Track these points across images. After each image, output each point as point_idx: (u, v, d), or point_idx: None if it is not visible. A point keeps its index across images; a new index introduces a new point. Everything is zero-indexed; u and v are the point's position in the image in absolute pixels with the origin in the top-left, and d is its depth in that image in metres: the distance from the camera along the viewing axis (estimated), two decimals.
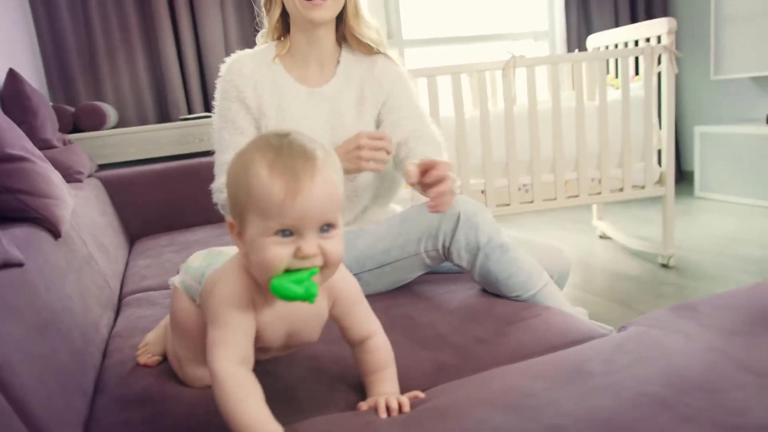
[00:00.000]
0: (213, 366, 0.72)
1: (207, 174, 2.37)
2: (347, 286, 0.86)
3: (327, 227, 0.72)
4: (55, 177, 1.39)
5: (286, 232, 0.70)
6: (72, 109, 2.68)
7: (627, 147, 2.45)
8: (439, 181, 1.02)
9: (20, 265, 0.95)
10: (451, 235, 1.15)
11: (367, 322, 0.87)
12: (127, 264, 1.94)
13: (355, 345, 0.88)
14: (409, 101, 1.41)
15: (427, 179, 1.03)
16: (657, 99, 2.52)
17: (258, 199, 0.69)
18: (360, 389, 0.90)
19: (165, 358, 1.05)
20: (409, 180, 1.05)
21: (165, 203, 2.40)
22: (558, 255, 1.45)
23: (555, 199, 2.45)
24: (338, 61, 1.41)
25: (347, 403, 0.87)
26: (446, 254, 1.18)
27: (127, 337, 1.21)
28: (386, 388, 0.85)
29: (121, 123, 2.99)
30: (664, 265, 2.56)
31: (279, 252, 0.70)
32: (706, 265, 2.55)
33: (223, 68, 1.38)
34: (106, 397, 0.95)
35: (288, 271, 0.70)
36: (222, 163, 1.36)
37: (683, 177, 4.17)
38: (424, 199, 1.07)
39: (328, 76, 1.39)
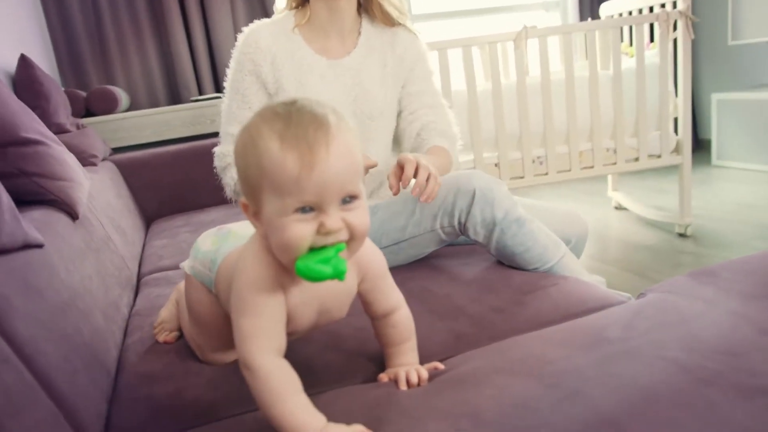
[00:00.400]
0: (252, 362, 0.67)
1: None
2: (375, 258, 0.82)
3: (349, 198, 0.66)
4: (71, 159, 1.40)
5: (306, 209, 0.64)
6: (84, 94, 2.69)
7: (642, 116, 2.42)
8: (414, 176, 1.06)
9: (40, 246, 0.96)
10: (467, 211, 1.14)
11: (392, 296, 0.84)
12: (144, 245, 1.96)
13: (378, 319, 0.85)
14: (428, 86, 1.42)
15: (404, 183, 1.07)
16: (673, 66, 2.47)
17: (272, 176, 0.64)
18: (379, 361, 0.90)
19: (182, 333, 1.06)
20: (393, 192, 1.08)
21: (179, 184, 2.42)
22: (575, 220, 1.44)
23: (569, 170, 2.42)
24: (359, 32, 1.38)
25: (366, 376, 0.88)
26: (462, 230, 1.18)
27: (146, 315, 1.23)
28: (407, 360, 0.84)
29: (133, 106, 3.00)
30: (681, 234, 2.54)
31: (301, 230, 0.64)
32: (724, 233, 2.52)
33: (240, 38, 1.35)
34: (128, 374, 0.96)
35: (312, 249, 0.66)
36: (226, 133, 1.36)
37: (700, 145, 4.11)
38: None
39: (349, 47, 1.37)
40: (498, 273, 1.18)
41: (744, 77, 3.89)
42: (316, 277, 0.64)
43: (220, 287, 0.85)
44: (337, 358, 0.93)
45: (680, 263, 2.27)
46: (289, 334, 0.79)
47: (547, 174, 2.41)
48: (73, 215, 1.27)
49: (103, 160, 2.28)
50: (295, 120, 0.64)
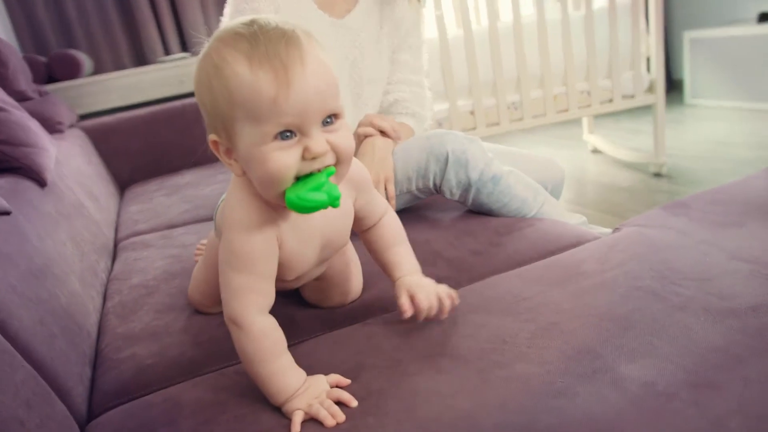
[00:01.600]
0: (243, 320, 0.65)
1: (191, 116, 2.36)
2: (362, 172, 0.78)
3: (330, 119, 0.61)
4: (34, 126, 1.36)
5: (286, 134, 0.59)
6: (44, 59, 2.60)
7: (615, 56, 2.40)
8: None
9: (7, 213, 0.94)
10: (441, 175, 1.14)
11: (380, 204, 0.82)
12: (119, 211, 1.93)
13: (368, 227, 0.81)
14: (416, 60, 1.39)
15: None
16: (644, 4, 2.45)
17: (244, 103, 0.58)
18: (360, 306, 0.91)
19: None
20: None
21: (151, 149, 2.37)
22: (551, 167, 1.45)
23: (545, 114, 2.42)
24: None
25: (350, 323, 0.88)
26: (437, 191, 1.17)
27: (124, 279, 1.22)
28: (409, 265, 0.80)
29: (97, 70, 2.91)
30: (657, 174, 2.56)
31: (284, 158, 0.59)
32: (699, 171, 2.55)
33: None
34: (109, 336, 0.96)
35: (298, 178, 0.60)
36: None
37: (673, 86, 4.12)
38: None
39: (351, 4, 1.32)
40: (475, 218, 1.18)
41: (715, 13, 3.87)
42: (310, 207, 0.60)
43: (218, 229, 0.83)
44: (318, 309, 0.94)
45: (656, 202, 2.30)
46: (296, 280, 0.78)
47: (522, 119, 2.41)
48: (41, 182, 1.24)
49: (71, 127, 2.22)
50: (262, 38, 0.58)
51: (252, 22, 0.60)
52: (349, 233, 0.79)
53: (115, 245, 1.56)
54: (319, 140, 0.60)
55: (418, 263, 0.81)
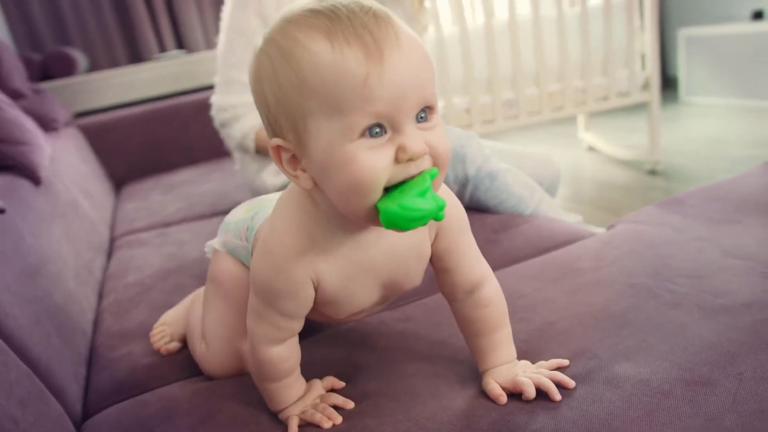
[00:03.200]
0: (253, 341, 0.61)
1: (187, 113, 2.36)
2: (454, 209, 0.62)
3: (425, 112, 0.49)
4: (29, 124, 1.35)
5: (375, 129, 0.47)
6: (39, 57, 2.59)
7: (610, 53, 2.41)
8: None
9: (1, 211, 0.93)
10: None
11: (477, 261, 0.64)
12: (115, 209, 1.93)
13: (461, 296, 0.64)
14: None
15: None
16: (639, 2, 2.45)
17: (323, 89, 0.46)
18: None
19: (183, 345, 0.87)
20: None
21: (147, 147, 2.36)
22: (547, 164, 1.45)
23: (540, 112, 2.42)
24: None
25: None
26: None
27: (120, 277, 1.22)
28: (504, 356, 0.63)
29: (93, 68, 2.90)
30: (652, 172, 2.57)
31: (375, 159, 0.47)
32: (694, 168, 2.55)
33: None
34: (104, 335, 0.96)
35: (388, 189, 0.48)
36: (231, 80, 1.26)
37: (668, 83, 4.12)
38: None
39: None
40: (471, 215, 1.17)
41: (710, 11, 3.87)
42: (418, 218, 0.47)
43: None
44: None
45: (651, 200, 2.30)
46: (351, 316, 0.66)
47: (517, 117, 2.41)
48: (36, 180, 1.24)
49: (66, 125, 2.21)
50: (344, 11, 0.47)
51: None
52: (421, 275, 0.65)
53: (111, 243, 1.56)
54: (416, 137, 0.48)
55: (514, 350, 0.64)
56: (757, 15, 3.43)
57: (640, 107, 2.64)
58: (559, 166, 1.46)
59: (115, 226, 1.72)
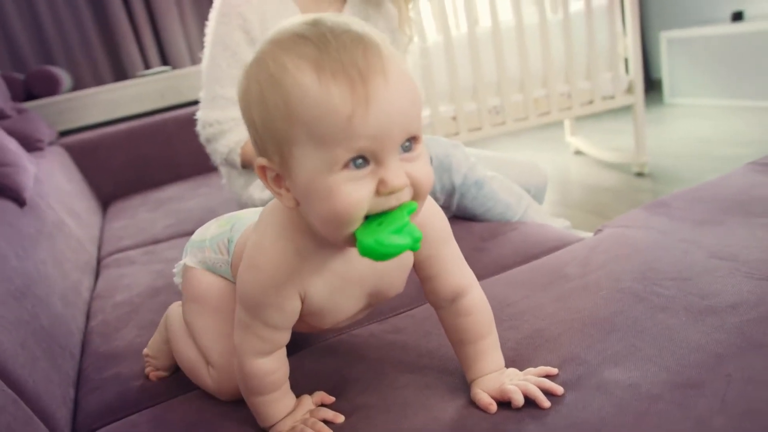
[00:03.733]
0: (240, 352, 0.61)
1: (173, 130, 2.35)
2: (435, 218, 0.62)
3: (409, 143, 0.50)
4: (12, 145, 1.35)
5: (358, 161, 0.48)
6: (22, 77, 2.57)
7: (593, 58, 2.43)
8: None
9: None
10: None
11: (459, 270, 0.64)
12: (102, 228, 1.91)
13: (444, 304, 0.65)
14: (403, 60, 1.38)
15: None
16: (620, 6, 2.48)
17: (310, 122, 0.47)
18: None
19: (173, 371, 0.85)
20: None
21: (133, 164, 2.36)
22: (534, 170, 1.45)
23: (527, 118, 2.43)
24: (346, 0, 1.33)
25: (333, 334, 0.88)
26: None
27: (108, 297, 1.21)
28: (491, 364, 0.63)
29: (77, 86, 2.89)
30: (639, 174, 2.59)
31: (356, 192, 0.48)
32: (680, 169, 2.57)
33: None
34: (92, 357, 0.95)
35: (368, 217, 0.49)
36: (215, 95, 1.25)
37: (652, 85, 4.16)
38: None
39: (337, 7, 1.31)
40: (459, 223, 1.19)
41: (691, 13, 3.92)
42: (391, 253, 0.48)
43: (237, 264, 0.67)
44: None
45: (639, 202, 2.31)
46: (333, 327, 0.68)
47: (504, 123, 2.42)
48: (20, 201, 1.23)
49: (50, 144, 2.20)
50: (333, 42, 0.47)
51: (316, 22, 0.49)
52: (404, 283, 0.66)
53: (99, 262, 1.55)
54: (397, 172, 0.48)
55: (502, 356, 0.65)
56: (737, 16, 3.48)
57: (626, 110, 2.66)
58: (545, 172, 1.47)
59: (102, 244, 1.70)
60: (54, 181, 1.72)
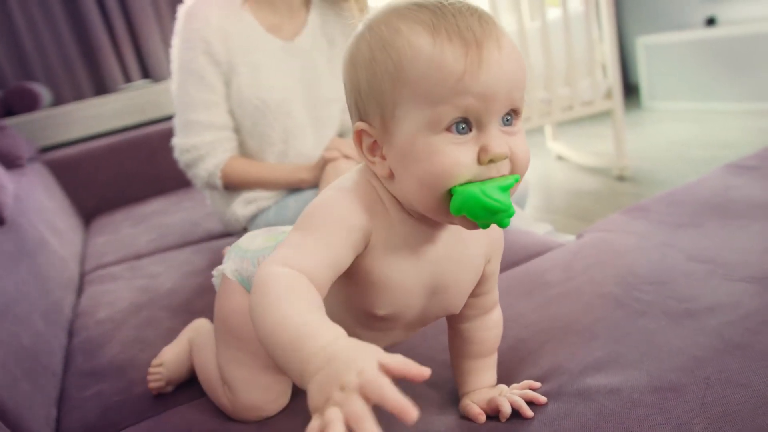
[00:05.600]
0: (262, 266, 0.48)
1: (155, 144, 2.34)
2: (501, 234, 0.62)
3: (511, 115, 0.50)
4: None
5: (461, 126, 0.47)
6: (0, 94, 2.55)
7: (572, 64, 2.46)
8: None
9: None
10: None
11: (497, 288, 0.66)
12: (85, 244, 1.90)
13: (474, 317, 0.64)
14: None
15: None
16: (597, 13, 2.51)
17: (418, 80, 0.47)
18: None
19: (178, 386, 0.83)
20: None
21: (116, 179, 2.34)
22: None
23: None
24: (309, 8, 1.33)
25: None
26: None
27: (91, 314, 1.19)
28: (487, 380, 0.64)
29: (57, 101, 2.87)
30: (620, 177, 2.62)
31: (458, 154, 0.47)
32: (660, 172, 2.61)
33: (183, 12, 1.26)
34: (74, 375, 0.94)
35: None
36: (189, 122, 1.26)
37: (631, 90, 4.22)
38: None
39: (299, 25, 1.31)
40: None
41: (666, 19, 3.98)
42: (492, 209, 0.46)
43: None
44: None
45: (621, 205, 2.34)
46: (387, 322, 0.58)
47: None
48: None
49: (31, 161, 2.18)
50: (449, 9, 0.48)
51: None
52: (465, 298, 0.61)
53: (82, 279, 1.53)
54: (499, 139, 0.48)
55: (495, 375, 0.66)
56: (710, 21, 3.54)
57: (605, 115, 2.69)
58: (527, 180, 1.48)
59: (85, 261, 1.69)
60: (34, 198, 1.70)
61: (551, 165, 3.10)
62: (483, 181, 0.47)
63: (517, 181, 0.49)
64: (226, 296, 0.71)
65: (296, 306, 0.43)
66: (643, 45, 3.81)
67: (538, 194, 2.67)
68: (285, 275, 0.46)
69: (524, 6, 2.53)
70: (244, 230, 1.36)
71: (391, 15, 0.50)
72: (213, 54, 1.23)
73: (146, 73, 3.00)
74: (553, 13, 2.59)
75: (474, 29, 0.47)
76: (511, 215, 0.47)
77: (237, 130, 1.29)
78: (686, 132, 3.15)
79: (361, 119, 0.52)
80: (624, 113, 2.62)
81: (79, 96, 2.94)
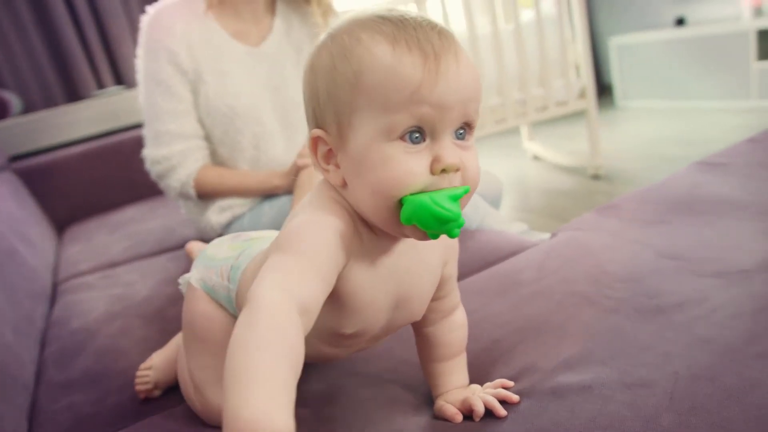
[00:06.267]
0: (257, 292, 0.44)
1: (129, 150, 2.31)
2: (456, 240, 0.63)
3: (463, 130, 0.51)
4: None
5: (415, 135, 0.48)
6: None
7: (545, 65, 2.48)
8: None
9: None
10: None
11: (457, 289, 0.66)
12: (58, 253, 1.87)
13: (437, 321, 0.65)
14: None
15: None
16: (569, 14, 2.54)
17: (375, 87, 0.48)
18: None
19: (165, 390, 0.83)
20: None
21: (89, 186, 2.31)
22: (489, 179, 1.48)
23: (483, 126, 2.47)
24: (274, 13, 1.32)
25: None
26: None
27: (64, 324, 1.18)
28: (459, 380, 0.65)
29: (27, 109, 2.82)
30: (595, 176, 2.65)
31: (412, 163, 0.48)
32: (633, 170, 2.65)
33: (146, 22, 1.24)
34: (46, 386, 0.92)
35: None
36: (158, 133, 1.25)
37: (604, 90, 4.27)
38: None
39: (265, 31, 1.30)
40: None
41: (637, 19, 4.05)
42: (442, 218, 0.46)
43: (243, 294, 0.63)
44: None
45: (596, 203, 2.37)
46: (352, 337, 0.58)
47: None
48: None
49: (0, 169, 2.14)
50: (410, 23, 0.49)
51: (392, 9, 0.52)
52: (426, 305, 0.62)
53: (54, 289, 1.51)
54: (452, 150, 0.49)
55: (467, 375, 0.66)
56: (679, 21, 3.61)
57: (580, 114, 2.72)
58: (500, 183, 1.49)
59: (58, 270, 1.66)
60: (4, 208, 1.67)
61: (527, 165, 3.13)
62: (432, 191, 0.48)
63: (467, 191, 0.49)
64: (191, 303, 0.71)
65: (275, 369, 0.39)
66: (615, 45, 3.86)
67: (515, 194, 2.69)
68: (279, 311, 0.43)
69: (498, 8, 2.55)
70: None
71: (353, 25, 0.51)
72: (178, 63, 1.22)
73: (119, 79, 2.96)
74: (527, 15, 2.62)
75: (433, 42, 0.48)
76: (460, 225, 0.47)
77: (207, 138, 1.28)
78: (659, 130, 3.20)
79: (318, 127, 0.53)
80: (598, 113, 2.65)
81: (50, 103, 2.90)
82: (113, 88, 2.81)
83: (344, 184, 0.52)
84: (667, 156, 2.72)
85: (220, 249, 0.73)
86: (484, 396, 0.60)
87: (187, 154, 1.24)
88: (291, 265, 0.47)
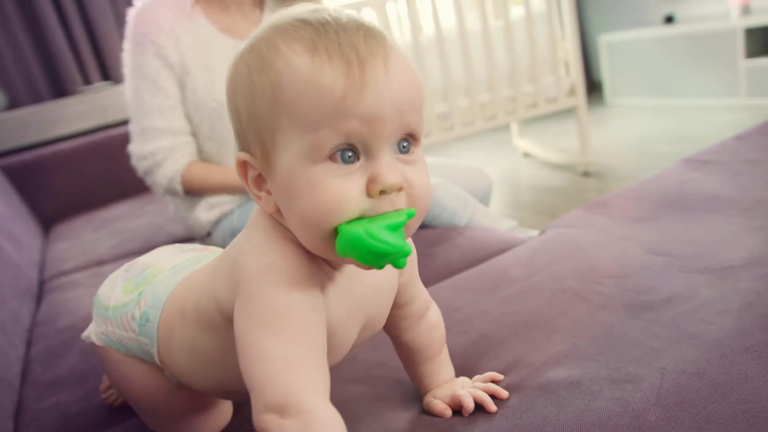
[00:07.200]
0: (301, 401, 0.41)
1: (117, 146, 2.30)
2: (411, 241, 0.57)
3: (407, 142, 0.45)
4: None
5: (347, 154, 0.43)
6: None
7: (535, 62, 2.48)
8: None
9: None
10: None
11: (423, 289, 0.62)
12: (45, 251, 1.85)
13: (411, 326, 0.61)
14: None
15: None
16: (559, 11, 2.55)
17: (295, 102, 0.42)
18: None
19: None
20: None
21: (76, 183, 2.29)
22: (479, 175, 1.48)
23: (474, 123, 2.47)
24: (262, 8, 1.31)
25: None
26: None
27: (50, 322, 1.17)
28: (446, 375, 0.63)
29: (13, 105, 2.79)
30: (585, 173, 2.66)
31: (342, 187, 0.42)
32: (624, 167, 2.66)
33: (132, 16, 1.23)
34: (33, 386, 0.91)
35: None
36: (144, 128, 1.23)
37: (593, 87, 4.29)
38: None
39: (253, 25, 1.28)
40: None
41: (627, 17, 4.06)
42: (380, 250, 0.41)
43: (174, 347, 0.57)
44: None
45: (587, 200, 2.37)
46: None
47: (452, 129, 2.45)
48: None
49: None
50: (334, 26, 0.43)
51: (318, 9, 0.45)
52: (387, 315, 0.59)
53: (41, 287, 1.49)
54: (390, 167, 0.43)
55: (452, 368, 0.65)
56: (668, 19, 3.63)
57: (570, 112, 2.73)
58: (490, 178, 1.49)
59: (44, 268, 1.64)
60: None
61: (518, 162, 3.13)
62: (371, 218, 0.43)
63: (411, 216, 0.44)
64: (111, 367, 0.65)
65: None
66: (605, 42, 3.88)
67: (506, 191, 2.69)
68: (332, 425, 0.41)
69: (488, 4, 2.55)
70: (209, 235, 1.34)
71: (272, 32, 0.45)
72: (165, 57, 1.21)
73: (106, 74, 2.94)
74: (516, 12, 2.62)
75: (357, 47, 0.42)
76: (406, 255, 0.42)
77: (195, 134, 1.27)
78: (649, 127, 3.22)
79: (243, 149, 0.47)
80: (588, 110, 2.66)
81: (36, 99, 2.87)
82: (100, 84, 2.78)
83: (278, 212, 0.47)
84: (657, 153, 2.73)
85: (113, 292, 0.64)
86: (473, 391, 0.60)
87: (174, 150, 1.23)
88: (297, 352, 0.43)
